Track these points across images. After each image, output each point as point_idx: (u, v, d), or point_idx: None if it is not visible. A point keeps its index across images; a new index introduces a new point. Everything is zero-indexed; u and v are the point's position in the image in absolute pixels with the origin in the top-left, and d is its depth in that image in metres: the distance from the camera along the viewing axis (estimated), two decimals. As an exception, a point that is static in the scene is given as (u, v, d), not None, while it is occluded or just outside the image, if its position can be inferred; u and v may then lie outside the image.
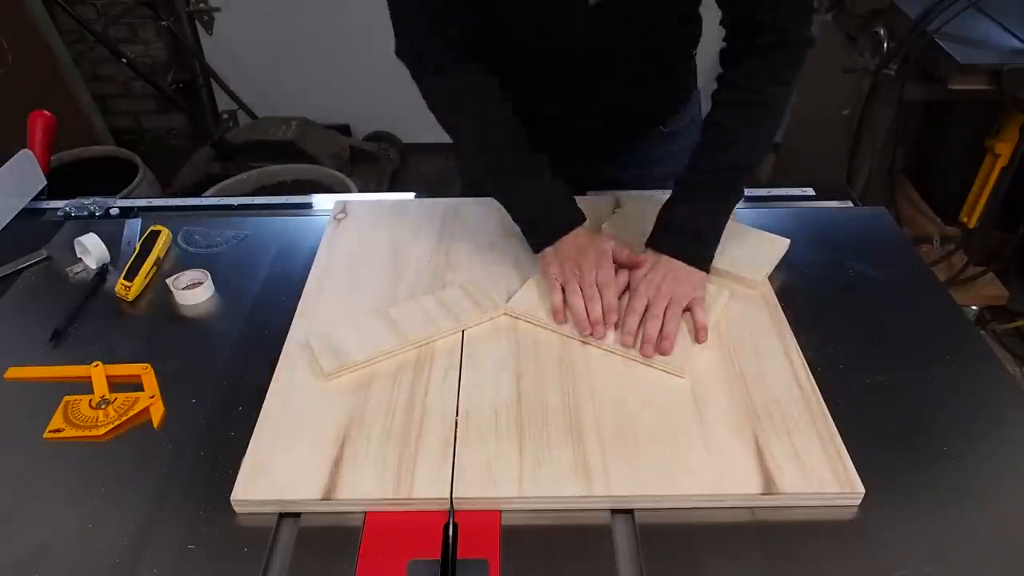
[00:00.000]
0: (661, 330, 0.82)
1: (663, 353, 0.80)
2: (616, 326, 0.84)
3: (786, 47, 0.87)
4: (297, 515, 0.67)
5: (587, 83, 1.00)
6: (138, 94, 2.96)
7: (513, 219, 0.94)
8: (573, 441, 0.71)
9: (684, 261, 0.87)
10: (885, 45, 1.87)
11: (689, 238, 0.89)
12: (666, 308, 0.83)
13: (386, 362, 0.81)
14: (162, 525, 0.66)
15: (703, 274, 0.88)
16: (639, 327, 0.83)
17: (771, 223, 1.03)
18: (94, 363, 0.82)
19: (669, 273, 0.86)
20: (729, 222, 0.92)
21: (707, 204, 0.90)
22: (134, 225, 1.08)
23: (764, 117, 0.89)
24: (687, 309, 0.85)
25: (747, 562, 0.63)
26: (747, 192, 1.14)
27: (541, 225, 0.92)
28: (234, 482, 0.68)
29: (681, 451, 0.70)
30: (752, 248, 0.95)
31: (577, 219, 0.91)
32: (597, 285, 0.86)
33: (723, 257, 0.91)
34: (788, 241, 0.97)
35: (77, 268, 1.00)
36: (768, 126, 0.90)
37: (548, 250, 0.90)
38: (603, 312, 0.84)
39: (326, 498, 0.66)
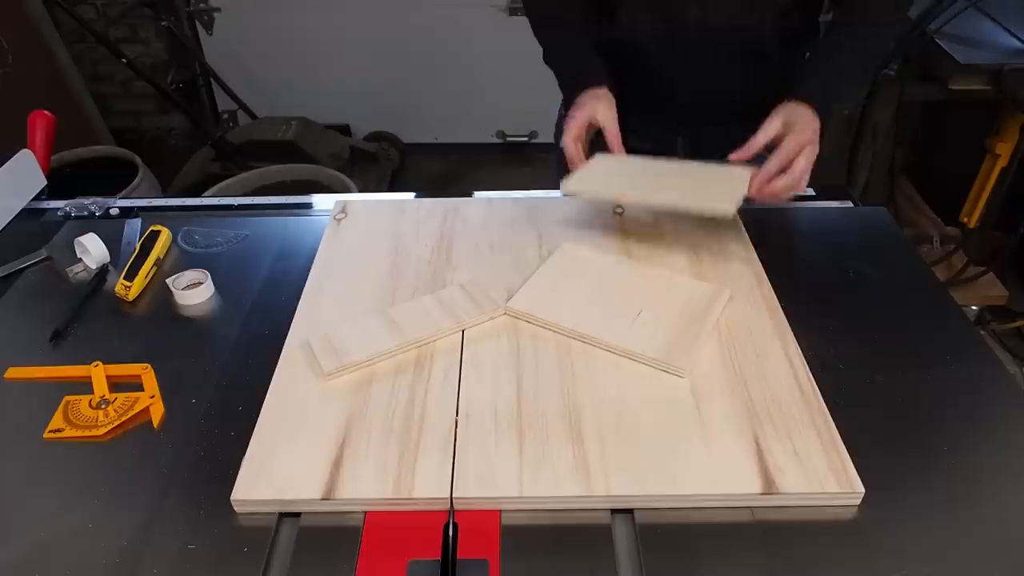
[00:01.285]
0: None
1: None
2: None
3: None
4: (297, 515, 0.68)
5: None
6: (138, 94, 2.96)
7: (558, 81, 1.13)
8: (573, 441, 0.71)
9: (819, 114, 0.96)
10: (885, 45, 1.87)
11: (830, 94, 0.99)
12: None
13: (386, 362, 0.81)
14: (162, 525, 0.66)
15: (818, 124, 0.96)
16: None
17: (771, 223, 1.03)
18: (94, 363, 0.82)
19: (815, 143, 0.94)
20: (682, 162, 1.03)
21: (847, 67, 1.02)
22: (134, 225, 1.08)
23: (886, 19, 1.03)
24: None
25: (747, 562, 0.63)
26: (746, 192, 1.14)
27: (571, 88, 1.07)
28: (234, 482, 0.68)
29: (681, 451, 0.70)
30: (713, 182, 0.97)
31: (597, 83, 1.05)
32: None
33: (686, 193, 0.94)
34: (751, 171, 0.97)
35: (77, 268, 1.00)
36: (890, 27, 1.07)
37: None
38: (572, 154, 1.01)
39: (326, 498, 0.66)
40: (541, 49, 1.14)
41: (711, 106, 1.14)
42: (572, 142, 1.01)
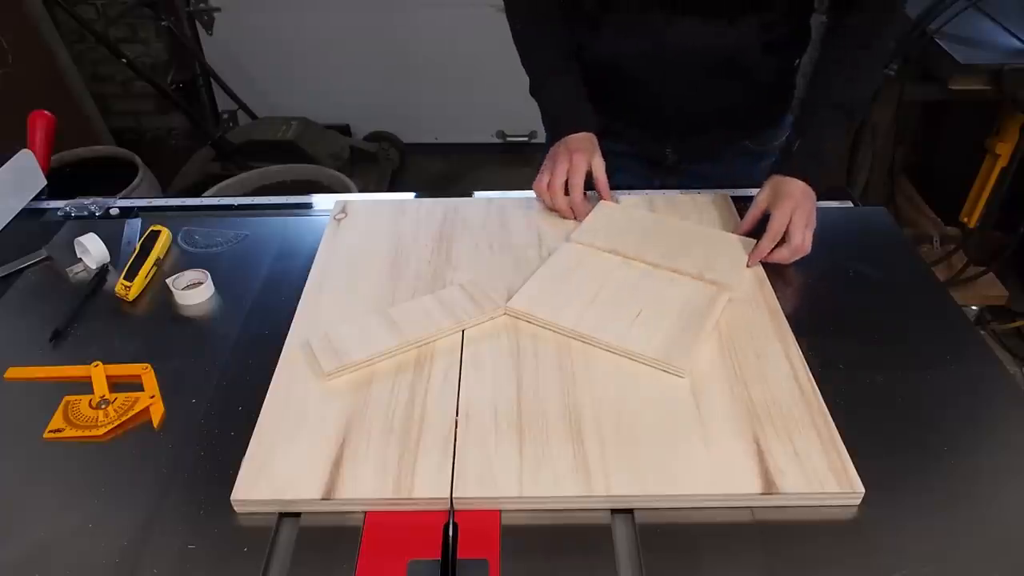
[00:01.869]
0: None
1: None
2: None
3: None
4: (297, 515, 0.68)
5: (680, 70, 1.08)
6: (138, 94, 2.96)
7: (543, 118, 1.14)
8: (573, 441, 0.71)
9: (809, 183, 0.97)
10: (885, 45, 1.87)
11: (816, 162, 0.99)
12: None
13: (386, 362, 0.81)
14: (162, 525, 0.66)
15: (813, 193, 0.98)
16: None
17: (771, 223, 1.03)
18: (94, 363, 0.82)
19: (807, 203, 0.96)
20: (693, 225, 1.02)
21: (829, 131, 1.01)
22: (134, 225, 1.08)
23: (877, 51, 1.02)
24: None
25: (747, 562, 0.63)
26: (747, 193, 1.14)
27: (561, 126, 1.08)
28: (234, 482, 0.68)
29: (681, 451, 0.70)
30: (717, 251, 0.97)
31: (588, 127, 1.07)
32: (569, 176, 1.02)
33: (698, 261, 0.94)
34: (753, 241, 0.97)
35: (77, 268, 1.00)
36: (880, 58, 1.05)
37: (559, 143, 1.06)
38: (571, 205, 1.02)
39: (326, 498, 0.66)
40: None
41: (698, 116, 1.14)
42: (562, 197, 1.02)
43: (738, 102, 1.12)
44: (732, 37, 1.02)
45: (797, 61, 1.14)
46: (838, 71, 1.00)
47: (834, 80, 1.00)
